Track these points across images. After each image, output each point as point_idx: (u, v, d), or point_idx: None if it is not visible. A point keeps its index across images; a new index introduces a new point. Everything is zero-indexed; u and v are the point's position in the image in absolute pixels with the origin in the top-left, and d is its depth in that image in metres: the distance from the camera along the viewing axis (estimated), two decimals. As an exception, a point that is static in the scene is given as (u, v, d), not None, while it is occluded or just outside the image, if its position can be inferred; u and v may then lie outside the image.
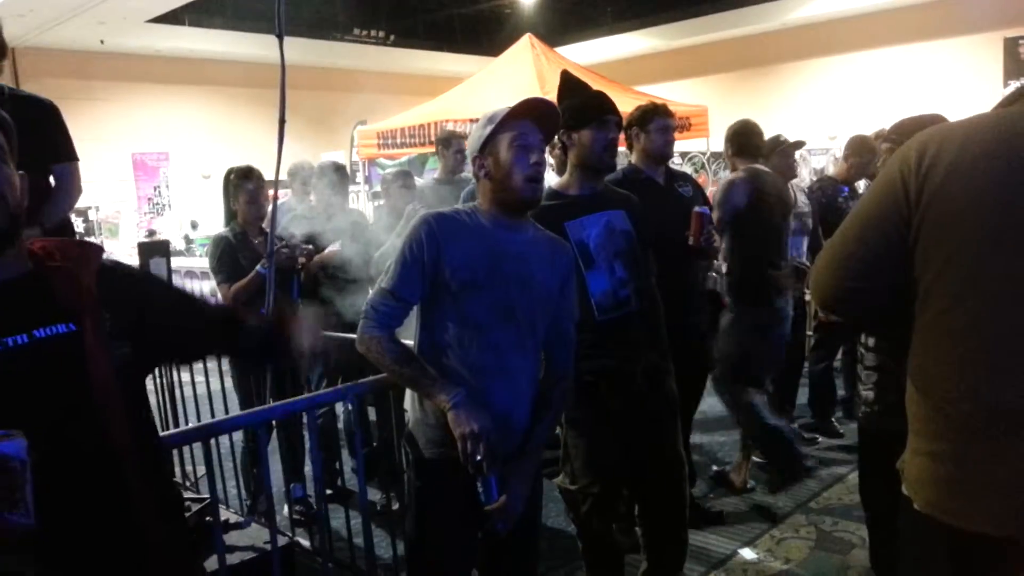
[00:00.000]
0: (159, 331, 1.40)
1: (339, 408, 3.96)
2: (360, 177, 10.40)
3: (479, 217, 2.01)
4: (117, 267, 1.43)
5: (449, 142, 4.69)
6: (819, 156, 9.69)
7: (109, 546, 1.28)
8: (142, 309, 1.37)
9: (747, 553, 3.35)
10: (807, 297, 4.30)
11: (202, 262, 10.68)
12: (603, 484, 2.59)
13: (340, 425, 4.27)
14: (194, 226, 12.20)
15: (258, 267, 3.56)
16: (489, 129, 1.97)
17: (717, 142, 9.56)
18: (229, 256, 3.67)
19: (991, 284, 1.23)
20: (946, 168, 1.26)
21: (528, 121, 1.98)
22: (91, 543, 1.27)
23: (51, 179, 2.86)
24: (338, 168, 4.35)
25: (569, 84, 2.69)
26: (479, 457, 1.85)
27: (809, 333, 5.17)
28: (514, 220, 2.01)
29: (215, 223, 11.47)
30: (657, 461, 2.65)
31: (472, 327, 1.92)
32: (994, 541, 1.23)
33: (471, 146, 2.04)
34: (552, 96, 7.70)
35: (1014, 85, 10.99)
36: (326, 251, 3.94)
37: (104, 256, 1.39)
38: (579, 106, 2.59)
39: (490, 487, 1.91)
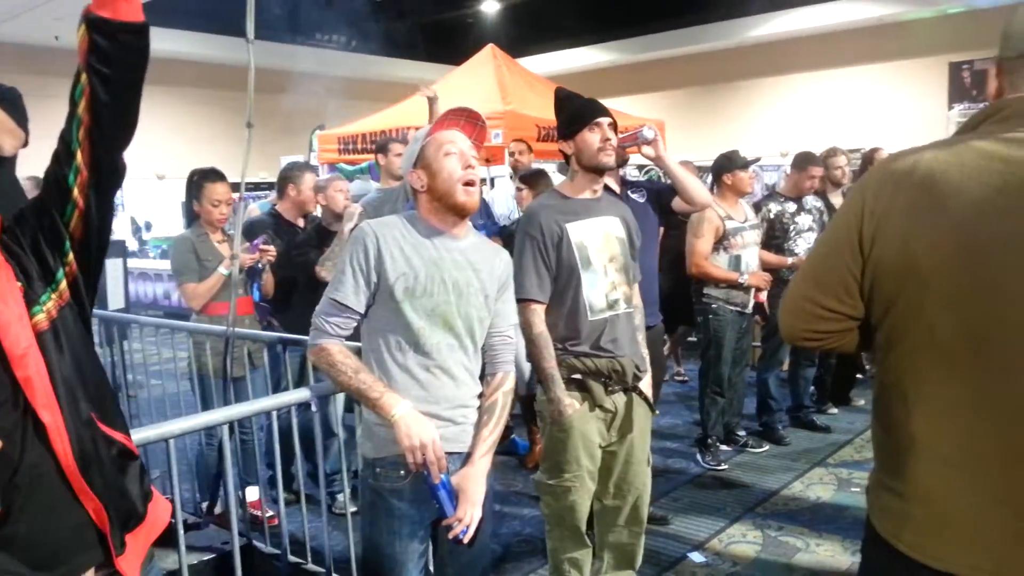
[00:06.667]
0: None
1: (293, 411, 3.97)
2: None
3: (419, 226, 2.05)
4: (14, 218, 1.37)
5: (386, 147, 4.48)
6: (771, 172, 9.91)
7: (59, 523, 1.30)
8: (38, 221, 1.34)
9: (696, 556, 3.44)
10: (750, 309, 4.48)
11: (155, 263, 10.56)
12: (584, 478, 2.68)
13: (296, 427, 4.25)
14: (147, 227, 12.02)
15: (220, 268, 3.57)
16: (420, 143, 2.06)
17: (672, 156, 9.74)
18: (192, 257, 3.66)
19: None
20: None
21: (456, 130, 2.08)
22: (42, 523, 1.28)
23: None
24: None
25: (562, 97, 2.84)
26: (425, 468, 1.92)
27: (756, 343, 5.31)
28: (453, 228, 2.07)
29: (169, 224, 11.34)
30: (631, 460, 2.77)
31: (414, 332, 1.98)
32: None
33: (404, 164, 2.11)
34: (514, 105, 7.74)
35: (958, 108, 11.41)
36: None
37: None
38: (573, 112, 2.75)
39: (443, 499, 1.95)
